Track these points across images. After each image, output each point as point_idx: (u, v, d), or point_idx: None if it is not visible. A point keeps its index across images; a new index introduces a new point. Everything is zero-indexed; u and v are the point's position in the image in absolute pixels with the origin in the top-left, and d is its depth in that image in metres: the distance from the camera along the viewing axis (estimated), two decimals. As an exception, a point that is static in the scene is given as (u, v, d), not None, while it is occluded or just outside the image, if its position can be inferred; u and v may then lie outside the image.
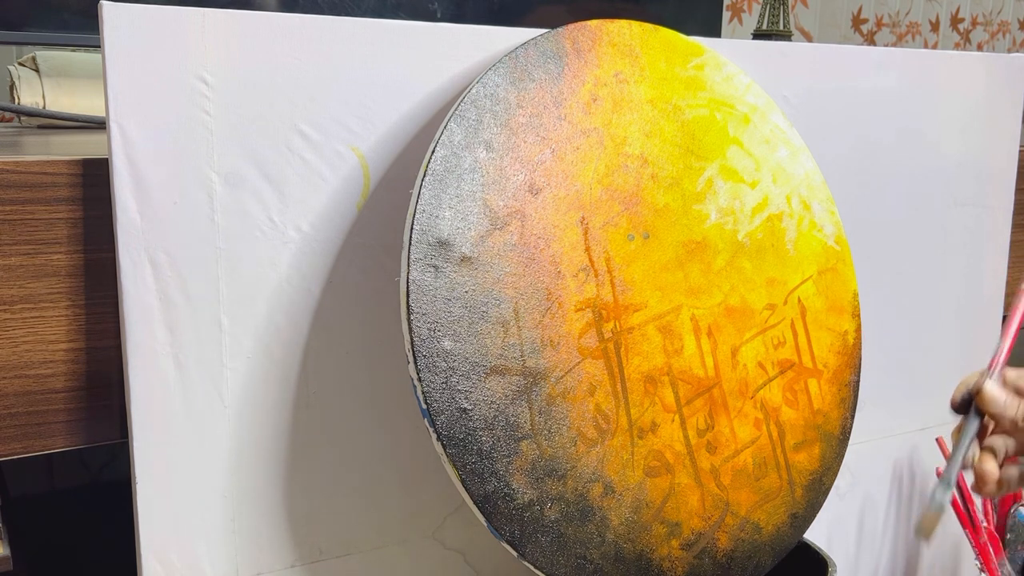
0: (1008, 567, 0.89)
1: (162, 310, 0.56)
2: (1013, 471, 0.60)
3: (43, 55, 1.00)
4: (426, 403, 0.53)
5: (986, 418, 0.60)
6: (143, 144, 0.54)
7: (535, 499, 0.56)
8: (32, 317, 0.56)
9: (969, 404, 0.60)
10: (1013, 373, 0.62)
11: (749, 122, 0.68)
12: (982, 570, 0.89)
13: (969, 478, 0.60)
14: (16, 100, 0.98)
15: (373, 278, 0.62)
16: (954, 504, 0.88)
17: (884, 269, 0.86)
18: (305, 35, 0.57)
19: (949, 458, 0.58)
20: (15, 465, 0.63)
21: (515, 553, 0.56)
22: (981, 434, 0.60)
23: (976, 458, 0.59)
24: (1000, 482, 0.59)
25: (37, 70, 0.99)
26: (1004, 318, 0.65)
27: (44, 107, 0.97)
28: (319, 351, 0.61)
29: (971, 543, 0.88)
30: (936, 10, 2.19)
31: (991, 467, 0.58)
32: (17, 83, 0.98)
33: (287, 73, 0.57)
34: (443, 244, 0.54)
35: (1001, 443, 0.60)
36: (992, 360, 0.62)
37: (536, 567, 0.56)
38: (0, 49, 1.21)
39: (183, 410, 0.57)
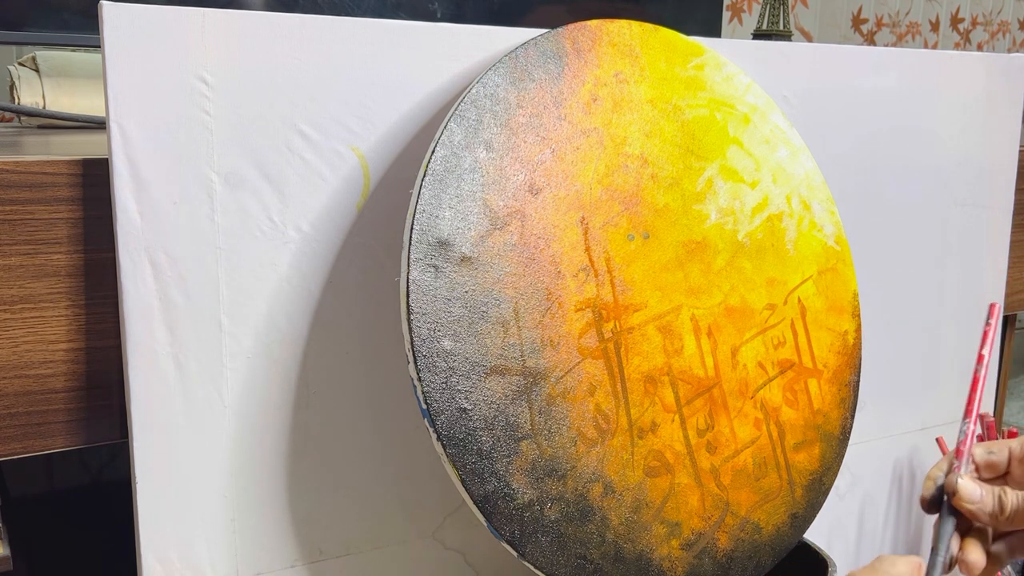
0: (1008, 567, 0.89)
1: (162, 310, 0.56)
2: (1000, 547, 0.59)
3: (43, 55, 1.00)
4: (426, 403, 0.53)
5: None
6: (143, 144, 0.54)
7: (535, 499, 0.56)
8: (32, 317, 0.56)
9: (940, 502, 0.58)
10: (981, 450, 0.60)
11: (749, 122, 0.68)
12: (982, 570, 0.89)
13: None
14: (16, 100, 0.98)
15: (373, 278, 0.62)
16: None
17: (884, 269, 0.86)
18: (305, 35, 0.57)
19: (929, 563, 0.55)
20: (15, 465, 0.63)
21: (515, 553, 0.56)
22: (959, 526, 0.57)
23: (956, 555, 0.56)
24: (990, 562, 0.57)
25: (37, 70, 0.99)
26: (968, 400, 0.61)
27: (44, 107, 0.97)
28: (319, 351, 0.61)
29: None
30: (936, 10, 2.19)
31: (977, 556, 0.56)
32: (17, 83, 0.98)
33: (287, 73, 0.57)
34: (443, 244, 0.54)
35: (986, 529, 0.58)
36: (959, 447, 0.59)
37: (536, 567, 0.56)
38: (0, 49, 1.21)
39: (183, 410, 0.57)
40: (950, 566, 0.56)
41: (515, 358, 0.56)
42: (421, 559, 0.67)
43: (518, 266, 0.57)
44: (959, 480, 0.57)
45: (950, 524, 0.57)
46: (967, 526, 0.58)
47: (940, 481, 0.58)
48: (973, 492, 0.57)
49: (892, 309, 0.87)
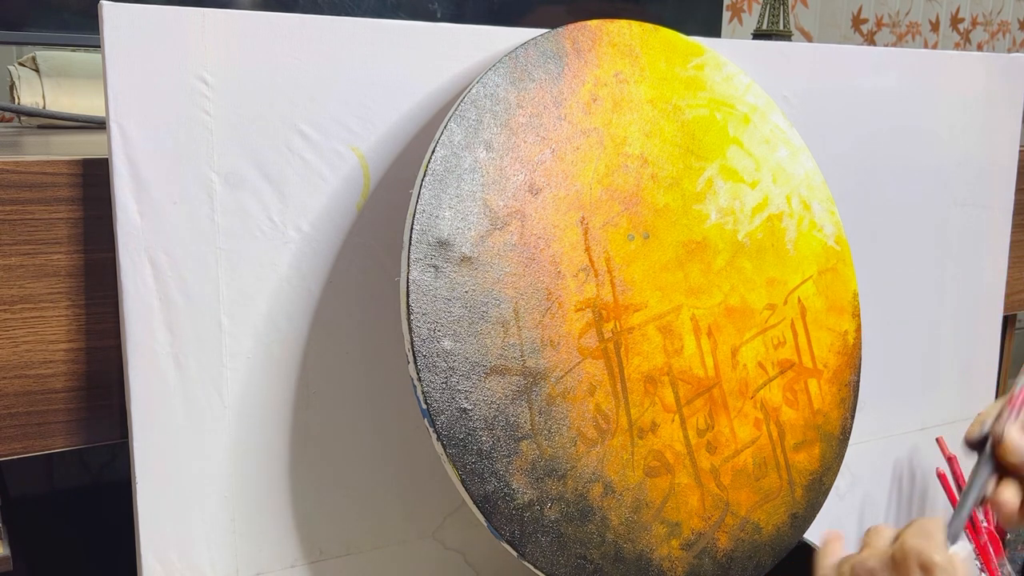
0: (1008, 567, 0.89)
1: (162, 310, 0.56)
2: None
3: (43, 55, 1.00)
4: (426, 403, 0.53)
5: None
6: (143, 144, 0.54)
7: (535, 499, 0.56)
8: (32, 317, 0.56)
9: (984, 443, 0.56)
10: None
11: (749, 122, 0.68)
12: (982, 570, 0.89)
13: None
14: (16, 100, 0.98)
15: (373, 278, 0.62)
16: (953, 504, 0.88)
17: (884, 269, 0.86)
18: (305, 35, 0.57)
19: (956, 506, 0.54)
20: (15, 465, 0.63)
21: (515, 553, 0.56)
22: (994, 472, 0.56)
23: (988, 495, 0.55)
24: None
25: (37, 70, 0.99)
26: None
27: (44, 107, 0.97)
28: (319, 351, 0.61)
29: (971, 543, 0.88)
30: (936, 10, 2.19)
31: (1010, 496, 0.54)
32: (17, 83, 0.98)
33: (287, 73, 0.57)
34: (443, 244, 0.54)
35: None
36: (1012, 399, 0.57)
37: (536, 567, 0.56)
38: (0, 49, 1.21)
39: (183, 410, 0.57)
40: (980, 503, 0.55)
41: (515, 358, 0.56)
42: (421, 559, 0.67)
43: (518, 266, 0.57)
44: (1007, 431, 0.55)
45: (986, 470, 0.55)
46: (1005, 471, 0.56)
47: (988, 426, 0.57)
48: (1020, 445, 0.55)
49: (892, 309, 0.87)
